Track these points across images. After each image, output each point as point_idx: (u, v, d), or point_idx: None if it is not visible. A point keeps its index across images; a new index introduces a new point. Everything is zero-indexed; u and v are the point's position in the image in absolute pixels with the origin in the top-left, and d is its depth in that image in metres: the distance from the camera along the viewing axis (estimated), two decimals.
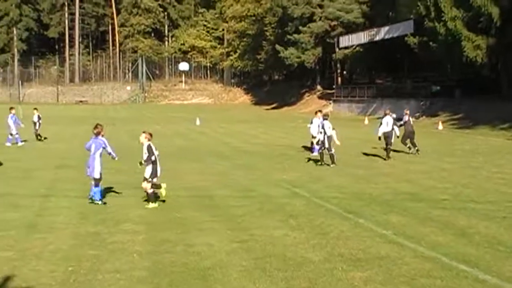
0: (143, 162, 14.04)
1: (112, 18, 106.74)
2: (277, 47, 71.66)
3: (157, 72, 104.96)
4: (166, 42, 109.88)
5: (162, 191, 14.12)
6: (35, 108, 32.98)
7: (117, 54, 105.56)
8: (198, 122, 46.56)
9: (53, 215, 13.00)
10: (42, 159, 23.15)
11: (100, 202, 14.11)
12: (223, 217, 12.77)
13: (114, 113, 65.14)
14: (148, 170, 14.01)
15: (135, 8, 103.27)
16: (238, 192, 16.04)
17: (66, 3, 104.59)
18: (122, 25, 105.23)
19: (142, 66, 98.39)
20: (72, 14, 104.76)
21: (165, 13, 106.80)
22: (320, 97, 73.15)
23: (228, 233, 11.29)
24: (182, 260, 9.53)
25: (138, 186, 16.97)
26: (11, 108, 29.94)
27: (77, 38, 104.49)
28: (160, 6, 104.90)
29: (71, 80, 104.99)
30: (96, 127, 14.72)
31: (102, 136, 14.72)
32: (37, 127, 31.35)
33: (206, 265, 9.30)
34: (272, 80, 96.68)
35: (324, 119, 22.12)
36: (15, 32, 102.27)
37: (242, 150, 27.48)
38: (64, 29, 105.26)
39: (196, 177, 18.99)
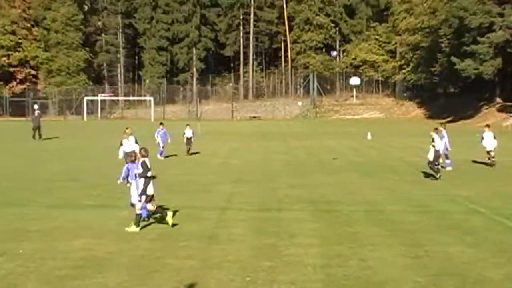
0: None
1: (285, 35, 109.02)
2: (453, 59, 69.37)
3: (328, 87, 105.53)
4: (337, 57, 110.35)
5: (169, 220, 13.53)
6: (188, 124, 33.78)
7: (289, 70, 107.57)
8: (369, 137, 46.26)
9: (231, 227, 13.55)
10: (219, 174, 24.16)
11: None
12: (397, 232, 12.63)
13: (286, 129, 66.44)
14: (139, 187, 13.60)
15: (307, 25, 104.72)
16: (411, 207, 15.76)
17: (241, 23, 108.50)
18: (294, 42, 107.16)
19: (313, 82, 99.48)
20: (247, 33, 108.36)
21: (337, 29, 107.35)
22: (499, 110, 69.72)
23: (402, 249, 11.15)
24: (355, 274, 9.57)
25: (313, 200, 17.24)
26: (160, 124, 31.29)
27: (251, 56, 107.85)
28: (332, 21, 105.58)
29: (245, 96, 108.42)
30: (130, 155, 15.15)
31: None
32: (191, 143, 32.14)
33: (379, 279, 9.27)
34: (447, 93, 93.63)
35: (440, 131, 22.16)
36: (194, 52, 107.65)
37: (415, 165, 26.88)
38: (239, 47, 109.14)
39: (368, 191, 18.90)
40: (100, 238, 12.44)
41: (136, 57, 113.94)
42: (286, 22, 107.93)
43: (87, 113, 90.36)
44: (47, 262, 10.60)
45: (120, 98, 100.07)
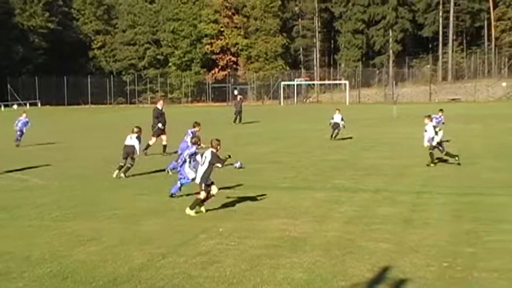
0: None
1: (489, 13, 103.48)
2: None
3: None
4: None
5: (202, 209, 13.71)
6: (337, 109, 32.45)
7: (493, 50, 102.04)
8: None
9: (427, 211, 13.11)
10: (415, 157, 23.41)
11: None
12: None
13: (489, 111, 63.06)
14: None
15: None
16: None
17: (441, 2, 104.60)
18: (499, 19, 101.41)
19: None
20: (446, 12, 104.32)
21: None
22: None
23: None
24: None
25: None
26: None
27: (450, 36, 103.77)
28: None
29: (444, 78, 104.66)
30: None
31: None
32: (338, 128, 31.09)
33: None
34: None
35: None
36: (390, 34, 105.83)
37: None
38: (438, 27, 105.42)
39: None
40: (295, 219, 12.61)
41: (332, 41, 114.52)
42: None
43: (284, 97, 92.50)
44: (245, 241, 10.92)
45: (316, 82, 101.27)
